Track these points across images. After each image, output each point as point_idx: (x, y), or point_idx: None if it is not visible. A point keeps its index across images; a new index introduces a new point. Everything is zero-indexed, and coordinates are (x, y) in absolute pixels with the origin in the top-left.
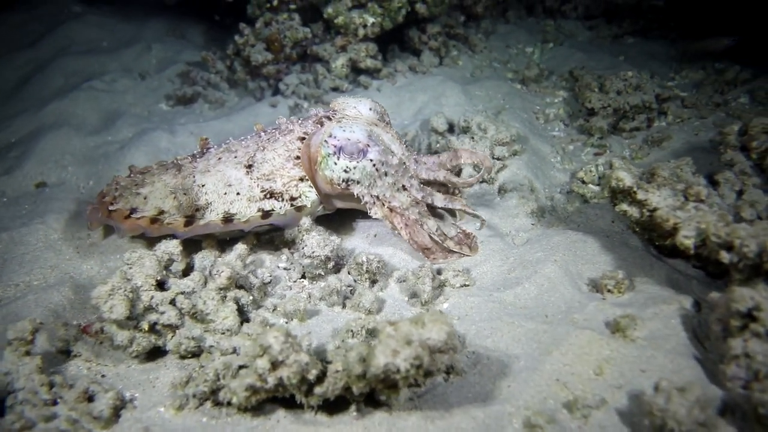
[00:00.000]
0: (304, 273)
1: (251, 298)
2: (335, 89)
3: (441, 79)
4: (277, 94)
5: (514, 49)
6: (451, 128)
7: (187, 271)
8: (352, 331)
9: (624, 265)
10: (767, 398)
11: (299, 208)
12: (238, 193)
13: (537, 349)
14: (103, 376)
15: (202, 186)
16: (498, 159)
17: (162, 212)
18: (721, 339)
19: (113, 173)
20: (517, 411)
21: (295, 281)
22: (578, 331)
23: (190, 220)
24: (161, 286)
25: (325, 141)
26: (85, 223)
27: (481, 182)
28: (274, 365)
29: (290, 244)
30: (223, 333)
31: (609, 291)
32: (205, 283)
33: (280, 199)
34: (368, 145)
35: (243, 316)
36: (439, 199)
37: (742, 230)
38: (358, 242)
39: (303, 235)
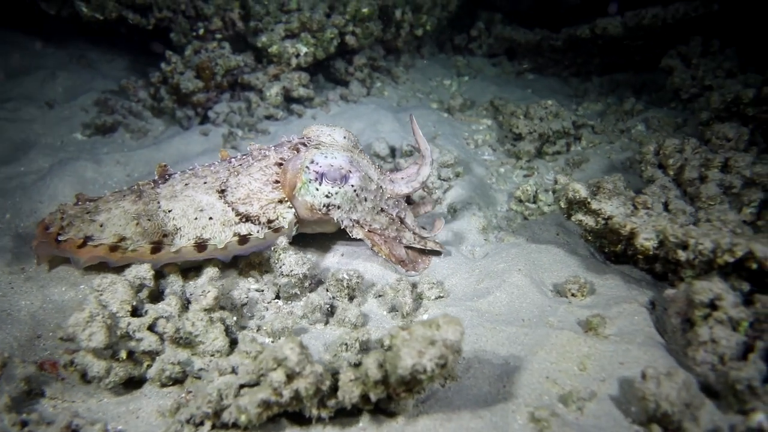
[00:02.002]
0: (278, 293)
1: (235, 319)
2: (269, 117)
3: (374, 108)
4: (205, 122)
5: (434, 81)
6: (392, 152)
7: (157, 297)
8: (345, 344)
9: (579, 271)
10: (743, 375)
11: (277, 230)
12: (210, 218)
13: (522, 350)
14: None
15: (169, 211)
16: (444, 180)
17: (123, 239)
18: (680, 330)
19: (35, 205)
20: (518, 408)
21: (269, 302)
22: (556, 332)
23: (157, 246)
24: (134, 312)
25: (307, 167)
26: (21, 257)
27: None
28: (290, 377)
29: (257, 265)
30: (213, 355)
31: (573, 295)
32: (183, 306)
33: (256, 222)
34: (350, 171)
35: (230, 338)
36: (410, 217)
37: (693, 231)
38: (329, 261)
39: (280, 254)
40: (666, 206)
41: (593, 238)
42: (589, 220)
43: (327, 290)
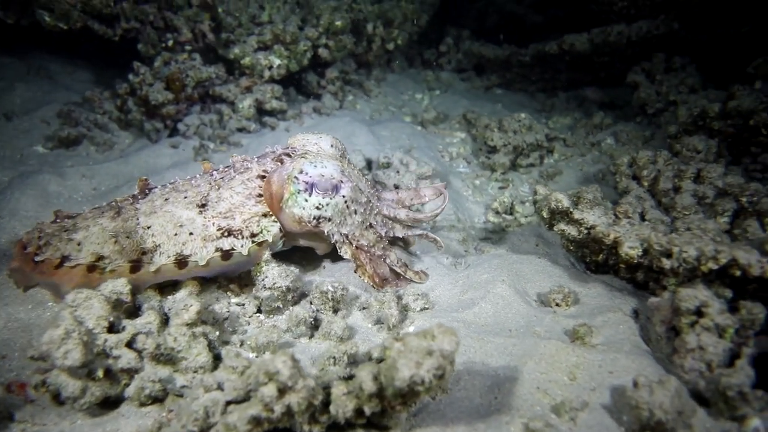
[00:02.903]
0: (260, 307)
1: (217, 333)
2: (241, 130)
3: (348, 120)
4: (174, 135)
5: (406, 95)
6: (368, 165)
7: (133, 312)
8: (333, 357)
9: (562, 281)
10: (734, 381)
11: (261, 244)
12: (191, 233)
13: (511, 361)
14: None
15: (148, 228)
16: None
17: (101, 258)
18: (665, 338)
19: None
20: (512, 420)
21: (251, 316)
22: (544, 342)
23: (136, 265)
24: (110, 328)
25: (295, 177)
26: None
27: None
28: (282, 392)
29: (236, 279)
30: (196, 371)
31: (557, 305)
32: (163, 322)
33: (239, 236)
34: (341, 181)
35: (213, 353)
36: (399, 230)
37: (677, 239)
38: (312, 273)
39: (262, 267)
40: (643, 216)
41: (575, 248)
42: (571, 230)
43: (311, 303)
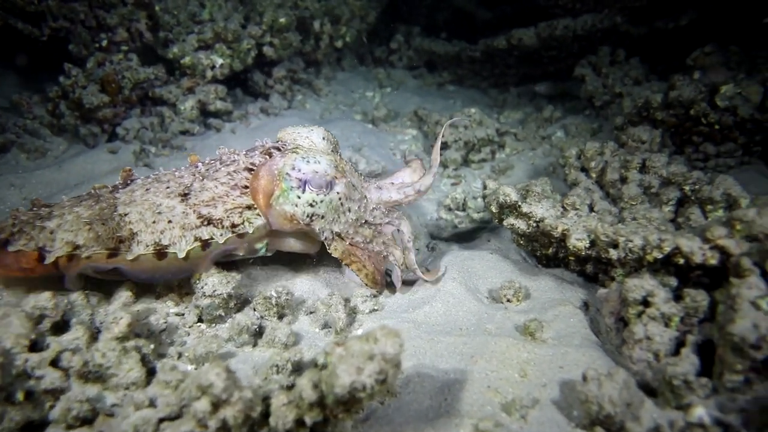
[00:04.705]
0: (201, 316)
1: (152, 346)
2: (185, 132)
3: (296, 120)
4: (113, 139)
5: (357, 93)
6: None
7: (61, 328)
8: (276, 366)
9: (513, 276)
10: (679, 370)
11: (241, 235)
12: (169, 221)
13: (461, 360)
14: None
15: (125, 215)
16: None
17: (77, 247)
18: (614, 330)
19: None
20: (462, 421)
21: (191, 326)
22: (495, 339)
23: (113, 253)
24: (33, 346)
25: (287, 174)
26: None
27: None
28: (216, 406)
29: (176, 287)
30: (127, 388)
31: (509, 300)
32: (92, 337)
33: (219, 225)
34: (336, 177)
35: (147, 367)
36: (407, 227)
37: (623, 229)
38: (254, 276)
39: (200, 273)
40: (591, 208)
41: (525, 242)
42: (520, 224)
43: (254, 309)
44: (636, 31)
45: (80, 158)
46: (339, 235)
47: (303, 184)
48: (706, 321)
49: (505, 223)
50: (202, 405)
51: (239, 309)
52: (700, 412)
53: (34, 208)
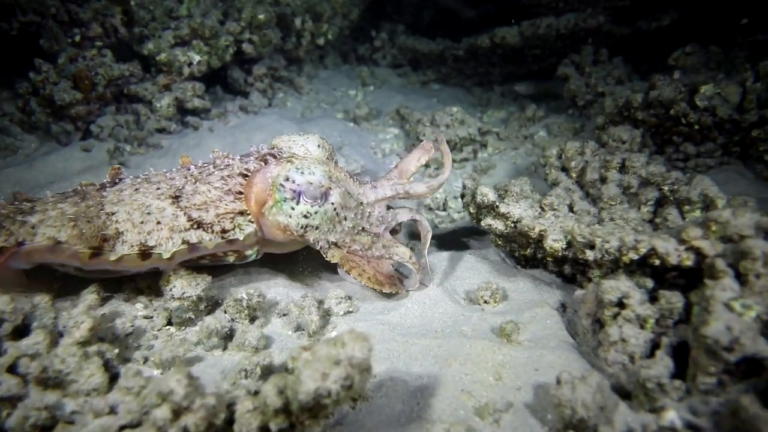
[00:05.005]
0: (170, 319)
1: (116, 351)
2: (161, 130)
3: (276, 118)
4: (87, 137)
5: (339, 91)
6: None
7: (22, 332)
8: (245, 370)
9: (491, 277)
10: (652, 373)
11: (231, 242)
12: (158, 222)
13: (436, 363)
14: None
15: (111, 214)
16: None
17: (58, 243)
18: (591, 331)
19: None
20: (433, 426)
21: (160, 329)
22: (471, 342)
23: (96, 252)
24: None
25: (281, 185)
26: None
27: None
28: (177, 413)
29: (145, 289)
30: (88, 394)
31: (486, 302)
32: (54, 341)
33: (209, 230)
34: (330, 188)
35: (110, 373)
36: (404, 213)
37: (599, 230)
38: (227, 279)
39: (169, 276)
40: (571, 208)
41: (503, 242)
42: (498, 224)
43: (225, 312)
44: (619, 30)
45: (52, 156)
46: (336, 244)
47: (297, 195)
48: (681, 323)
49: (483, 223)
50: (163, 412)
51: (210, 311)
52: (671, 416)
53: (16, 202)
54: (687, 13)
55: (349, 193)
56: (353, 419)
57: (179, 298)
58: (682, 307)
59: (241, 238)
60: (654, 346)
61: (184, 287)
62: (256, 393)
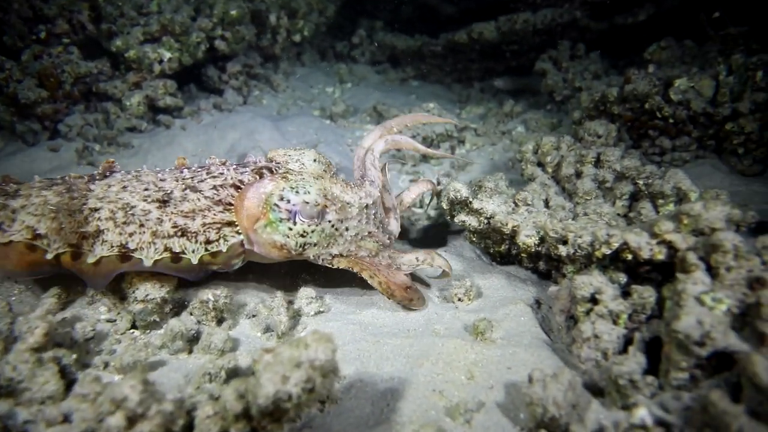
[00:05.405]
0: (135, 322)
1: (74, 356)
2: (132, 129)
3: (250, 116)
4: (55, 137)
5: (316, 89)
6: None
7: None
8: (209, 374)
9: (465, 274)
10: (624, 369)
11: (214, 254)
12: (141, 225)
13: (407, 363)
14: None
15: (95, 210)
16: None
17: (37, 236)
18: (565, 328)
19: None
20: (403, 428)
21: (123, 333)
22: (443, 341)
23: (76, 252)
24: None
25: (276, 205)
26: None
27: None
28: (132, 421)
29: (108, 292)
30: (43, 402)
31: (460, 300)
32: (7, 348)
33: (193, 240)
34: (326, 206)
35: (66, 380)
36: (410, 193)
37: (572, 225)
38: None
39: (133, 278)
40: (547, 203)
41: (478, 239)
42: (472, 221)
43: (191, 314)
44: (596, 26)
45: (18, 157)
46: (340, 254)
47: (293, 215)
48: (654, 317)
49: (456, 219)
50: (117, 420)
51: (176, 314)
52: (642, 413)
53: (2, 184)
54: (663, 8)
55: (348, 203)
56: (321, 422)
57: (143, 301)
58: (654, 302)
59: (224, 250)
60: (627, 342)
61: (147, 289)
62: (219, 398)
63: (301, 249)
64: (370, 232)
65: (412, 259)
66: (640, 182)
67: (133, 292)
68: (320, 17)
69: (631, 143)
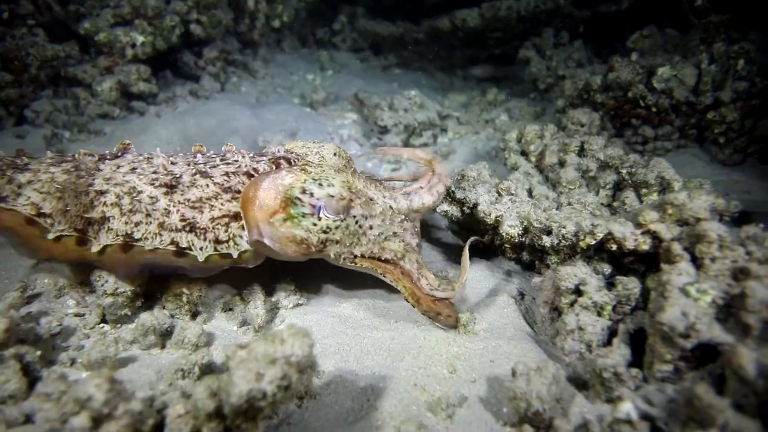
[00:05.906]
0: (105, 316)
1: (38, 353)
2: (104, 116)
3: (227, 103)
4: (23, 123)
5: (296, 76)
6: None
7: None
8: (182, 370)
9: (448, 266)
10: (608, 362)
11: (224, 256)
12: (148, 214)
13: (388, 357)
14: None
15: (101, 194)
16: None
17: (41, 214)
18: (549, 320)
19: None
20: (383, 424)
21: (92, 328)
22: (425, 333)
23: (82, 238)
24: None
25: (298, 198)
26: None
27: None
28: (98, 421)
29: (77, 285)
30: (4, 401)
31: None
32: None
33: (201, 236)
34: (351, 200)
35: (29, 377)
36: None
37: (556, 215)
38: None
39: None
40: (530, 193)
41: (460, 229)
42: (454, 211)
43: (164, 307)
44: (580, 14)
45: None
46: (363, 255)
47: (317, 210)
48: (638, 309)
49: (438, 209)
50: (81, 421)
51: (149, 307)
52: (627, 407)
53: (15, 157)
54: None
55: (372, 199)
56: (299, 418)
57: (113, 294)
58: (639, 293)
59: (235, 256)
60: (611, 334)
61: (117, 282)
62: (190, 396)
63: (322, 246)
64: (395, 233)
65: (434, 282)
66: (624, 171)
67: (103, 284)
68: (300, 2)
69: (614, 132)
